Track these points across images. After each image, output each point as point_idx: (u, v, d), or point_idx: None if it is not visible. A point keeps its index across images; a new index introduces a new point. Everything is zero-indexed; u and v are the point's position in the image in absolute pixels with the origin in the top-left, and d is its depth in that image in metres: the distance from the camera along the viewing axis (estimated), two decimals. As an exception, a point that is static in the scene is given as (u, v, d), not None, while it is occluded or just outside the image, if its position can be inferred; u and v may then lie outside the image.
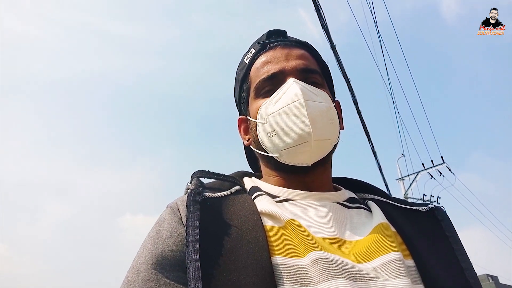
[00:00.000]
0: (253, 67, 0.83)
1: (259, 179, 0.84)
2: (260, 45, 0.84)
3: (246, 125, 0.86)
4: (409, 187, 13.93)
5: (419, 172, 13.87)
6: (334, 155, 0.82)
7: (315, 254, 0.59)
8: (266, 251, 0.60)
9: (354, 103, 5.58)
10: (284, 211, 0.68)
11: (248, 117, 0.84)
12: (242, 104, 0.87)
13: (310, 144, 0.72)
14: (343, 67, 5.09)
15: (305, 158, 0.74)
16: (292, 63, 0.79)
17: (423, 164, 13.72)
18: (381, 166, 6.94)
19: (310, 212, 0.70)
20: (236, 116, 0.91)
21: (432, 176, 13.60)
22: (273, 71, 0.79)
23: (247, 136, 0.86)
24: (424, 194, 13.88)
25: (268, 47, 0.83)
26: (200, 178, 0.76)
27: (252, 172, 0.90)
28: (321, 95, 0.78)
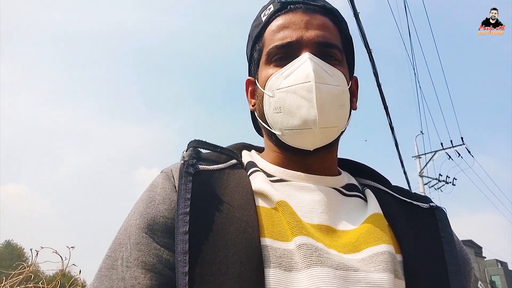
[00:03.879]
0: (268, 28, 0.77)
1: (260, 152, 0.81)
2: (280, 3, 0.76)
3: (253, 89, 0.81)
4: (424, 166, 13.73)
5: (436, 151, 13.60)
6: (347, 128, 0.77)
7: (299, 239, 0.58)
8: (256, 231, 0.59)
9: (375, 75, 5.37)
10: (277, 192, 0.65)
11: (256, 81, 0.79)
12: (253, 64, 0.82)
13: (314, 131, 0.68)
14: (365, 37, 4.86)
15: (307, 143, 0.70)
16: (311, 34, 0.72)
17: (441, 144, 13.45)
18: (398, 142, 6.74)
19: (303, 196, 0.68)
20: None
21: (450, 157, 13.34)
22: (288, 40, 0.72)
23: (253, 101, 0.81)
24: (440, 174, 13.72)
25: (288, 7, 0.75)
26: (197, 148, 0.74)
27: (252, 145, 0.85)
28: (336, 75, 0.72)
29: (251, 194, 0.65)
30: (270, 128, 0.74)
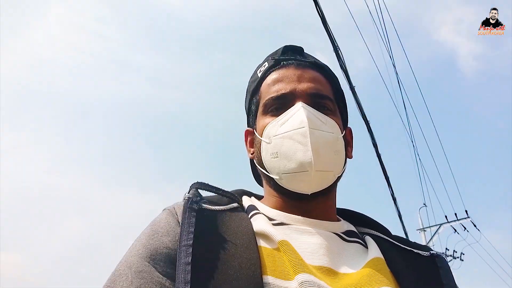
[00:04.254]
0: (264, 82, 0.82)
1: (259, 199, 0.83)
2: (274, 60, 0.82)
3: (252, 138, 0.85)
4: (430, 239, 13.25)
5: (441, 224, 13.23)
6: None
7: (302, 277, 0.58)
8: (258, 268, 0.59)
9: (374, 146, 5.42)
10: (278, 232, 0.66)
11: (255, 131, 0.82)
12: (251, 116, 0.86)
13: (310, 174, 0.70)
14: (362, 108, 4.99)
15: (304, 186, 0.72)
16: (304, 86, 0.77)
17: (446, 217, 13.12)
18: (401, 214, 6.60)
19: (304, 238, 0.68)
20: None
21: (455, 230, 12.96)
22: (283, 92, 0.77)
23: (252, 150, 0.84)
24: (446, 249, 13.19)
25: (281, 64, 0.81)
26: (198, 190, 0.75)
27: (252, 192, 0.87)
28: (329, 123, 0.75)
29: (253, 235, 0.65)
30: (268, 173, 0.76)
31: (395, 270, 0.68)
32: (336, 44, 4.37)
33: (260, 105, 0.81)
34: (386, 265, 0.68)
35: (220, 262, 0.59)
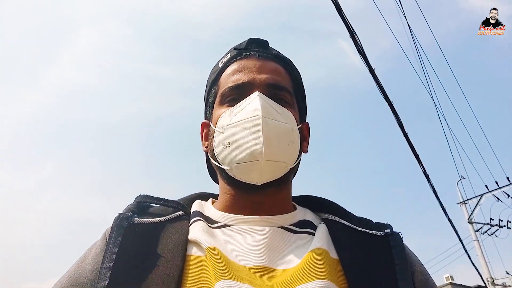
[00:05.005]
0: (224, 73, 0.81)
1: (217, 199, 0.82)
2: (236, 51, 0.82)
3: (207, 131, 0.83)
4: (472, 211, 12.93)
5: (482, 194, 12.86)
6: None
7: (221, 284, 0.57)
8: (174, 284, 0.59)
9: (400, 126, 5.38)
10: (209, 239, 0.66)
11: (210, 123, 0.81)
12: (208, 108, 0.84)
13: (260, 163, 0.69)
14: (383, 90, 4.97)
15: (255, 176, 0.71)
16: (263, 76, 0.76)
17: (486, 186, 12.74)
18: (436, 190, 6.51)
19: (244, 239, 0.68)
20: None
21: (498, 199, 12.55)
22: (241, 81, 0.76)
23: (207, 142, 0.82)
24: (491, 219, 12.80)
25: (243, 55, 0.81)
26: (142, 202, 0.76)
27: (212, 193, 0.87)
28: (285, 114, 0.75)
29: (184, 245, 0.66)
30: (220, 164, 0.74)
31: (343, 258, 0.67)
32: (352, 30, 4.38)
33: (218, 95, 0.80)
34: (326, 255, 0.66)
35: (139, 281, 0.60)
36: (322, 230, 0.72)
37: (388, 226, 0.76)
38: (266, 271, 0.63)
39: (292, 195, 0.82)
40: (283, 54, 0.86)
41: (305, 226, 0.74)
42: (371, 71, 4.82)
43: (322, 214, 0.80)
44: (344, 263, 0.65)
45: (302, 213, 0.78)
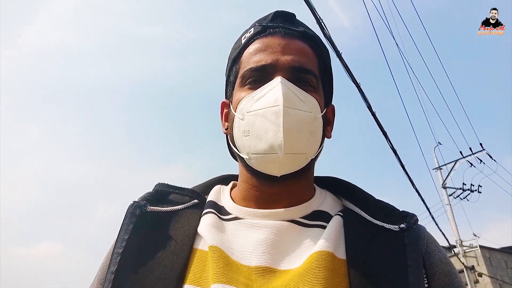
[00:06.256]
0: (246, 50, 0.77)
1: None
2: (260, 26, 0.77)
3: (227, 111, 0.80)
4: (447, 177, 13.51)
5: (457, 160, 13.41)
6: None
7: (215, 287, 0.59)
8: (176, 279, 0.61)
9: (368, 108, 5.57)
10: (213, 235, 0.66)
11: (230, 104, 0.77)
12: (229, 87, 0.81)
13: (279, 156, 0.66)
14: (350, 72, 5.11)
15: (273, 168, 0.68)
16: (287, 58, 0.72)
17: (461, 152, 13.26)
18: (404, 164, 6.79)
19: (251, 234, 0.68)
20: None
21: (471, 164, 13.12)
22: (263, 63, 0.72)
23: (227, 124, 0.79)
24: (463, 183, 13.42)
25: (267, 31, 0.76)
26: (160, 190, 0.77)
27: (235, 175, 0.84)
28: (309, 101, 0.71)
29: (192, 237, 0.67)
30: (239, 151, 0.73)
31: (350, 258, 0.63)
32: (319, 17, 4.44)
33: (239, 76, 0.76)
34: (331, 257, 0.62)
35: (145, 270, 0.62)
36: (334, 224, 0.69)
37: (408, 219, 0.70)
38: (266, 272, 0.62)
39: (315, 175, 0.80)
40: (311, 30, 0.81)
41: (318, 218, 0.71)
42: (338, 55, 4.93)
43: (344, 200, 0.77)
44: (350, 265, 0.62)
45: (319, 200, 0.75)
